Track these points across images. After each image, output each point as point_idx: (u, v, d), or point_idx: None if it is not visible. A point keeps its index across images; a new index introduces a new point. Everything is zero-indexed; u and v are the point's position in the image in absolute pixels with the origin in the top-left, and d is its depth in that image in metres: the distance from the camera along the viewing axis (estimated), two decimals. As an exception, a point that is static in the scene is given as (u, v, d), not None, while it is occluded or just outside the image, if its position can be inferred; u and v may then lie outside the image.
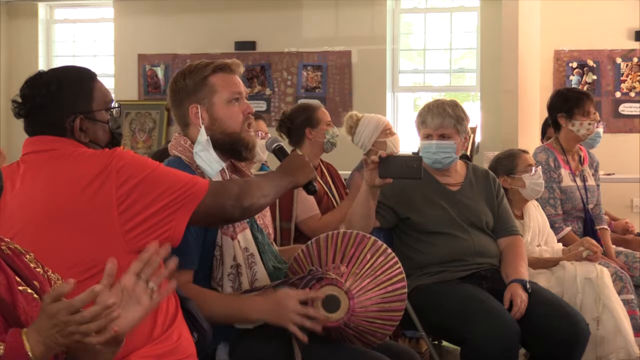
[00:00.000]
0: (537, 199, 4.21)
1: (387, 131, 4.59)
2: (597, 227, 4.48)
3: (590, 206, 4.49)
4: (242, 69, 2.69)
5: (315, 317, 2.43)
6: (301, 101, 7.02)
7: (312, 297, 2.45)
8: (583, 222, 4.45)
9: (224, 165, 2.58)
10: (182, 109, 2.63)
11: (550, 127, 4.87)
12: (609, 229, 4.60)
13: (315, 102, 5.73)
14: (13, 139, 7.81)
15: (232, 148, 2.63)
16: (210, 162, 2.54)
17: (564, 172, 4.43)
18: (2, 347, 1.56)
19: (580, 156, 4.57)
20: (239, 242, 2.55)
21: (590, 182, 4.54)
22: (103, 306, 1.56)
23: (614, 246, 4.49)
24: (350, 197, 4.21)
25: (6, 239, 1.82)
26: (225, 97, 2.61)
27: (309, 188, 2.66)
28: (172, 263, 1.71)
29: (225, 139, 2.60)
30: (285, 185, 2.57)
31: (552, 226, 4.25)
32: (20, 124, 2.35)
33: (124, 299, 1.66)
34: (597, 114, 5.03)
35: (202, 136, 2.56)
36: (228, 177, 2.62)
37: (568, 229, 4.32)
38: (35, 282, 1.78)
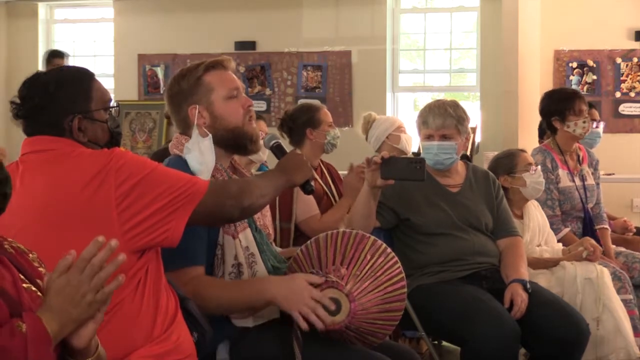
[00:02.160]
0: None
1: (401, 128, 4.70)
2: (598, 227, 4.47)
3: (590, 205, 4.48)
4: (233, 65, 2.68)
5: (321, 317, 2.43)
6: (302, 101, 7.02)
7: (322, 300, 2.45)
8: (582, 222, 4.44)
9: (209, 166, 2.57)
10: (182, 112, 2.62)
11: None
12: (609, 228, 4.59)
13: (317, 102, 5.74)
14: (13, 139, 7.81)
15: (236, 143, 2.63)
16: (193, 163, 2.54)
17: (562, 173, 4.43)
18: (23, 325, 1.57)
19: (579, 155, 4.56)
20: (240, 242, 2.55)
21: (590, 181, 4.53)
22: (107, 249, 1.58)
23: (613, 246, 4.49)
24: (345, 196, 4.22)
25: (9, 239, 1.82)
26: (223, 94, 2.61)
27: (306, 188, 2.66)
28: (120, 257, 1.66)
29: (229, 135, 2.61)
30: (283, 184, 2.57)
31: (550, 227, 4.24)
32: (20, 124, 2.35)
33: (70, 296, 1.65)
34: (596, 112, 5.03)
35: (192, 138, 2.56)
36: (226, 177, 2.62)
37: (567, 230, 4.31)
38: (39, 281, 1.78)
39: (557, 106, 4.48)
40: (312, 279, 2.47)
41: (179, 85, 2.62)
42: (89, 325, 1.67)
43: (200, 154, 2.54)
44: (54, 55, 7.42)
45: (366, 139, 4.81)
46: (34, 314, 1.61)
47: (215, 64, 2.62)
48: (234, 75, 2.67)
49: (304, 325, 2.42)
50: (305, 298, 2.42)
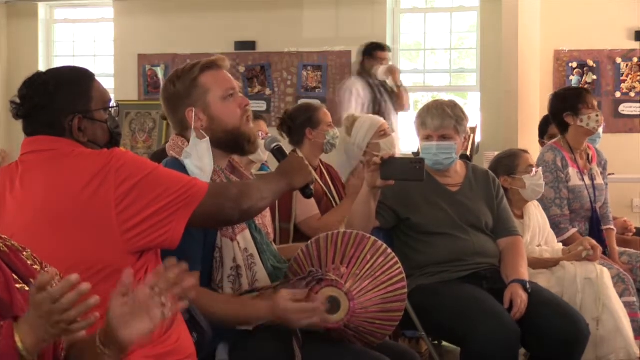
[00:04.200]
0: (543, 199, 4.19)
1: (381, 132, 4.56)
2: (604, 227, 4.45)
3: (599, 205, 4.47)
4: (228, 64, 2.66)
5: (317, 309, 2.42)
6: (302, 101, 7.02)
7: (311, 309, 2.43)
8: (590, 222, 4.42)
9: (208, 172, 2.56)
10: (179, 114, 2.61)
11: (551, 125, 4.87)
12: (615, 229, 4.58)
13: (317, 102, 5.74)
14: (13, 139, 7.81)
15: (234, 144, 2.63)
16: (192, 168, 2.52)
17: (572, 171, 4.40)
18: None
19: (588, 154, 4.55)
20: (239, 244, 2.55)
21: (599, 180, 4.51)
22: (76, 292, 1.57)
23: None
24: (348, 197, 4.21)
25: (3, 236, 1.82)
26: (219, 95, 2.59)
27: (306, 191, 2.65)
28: (189, 280, 1.69)
29: (227, 137, 2.60)
30: (283, 187, 2.56)
31: (557, 227, 4.23)
32: (20, 124, 2.35)
33: (134, 308, 1.66)
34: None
35: (191, 142, 2.55)
36: (224, 179, 2.61)
37: (574, 231, 4.29)
38: (32, 280, 1.78)
39: (570, 102, 4.44)
40: (295, 296, 2.45)
41: (174, 86, 2.60)
42: (146, 324, 1.66)
43: (199, 159, 2.54)
44: (377, 48, 6.67)
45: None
46: (10, 327, 1.59)
47: (210, 64, 2.61)
48: (229, 75, 2.66)
49: (318, 323, 2.43)
50: (296, 317, 2.41)
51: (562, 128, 4.49)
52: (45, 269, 1.86)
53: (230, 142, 2.62)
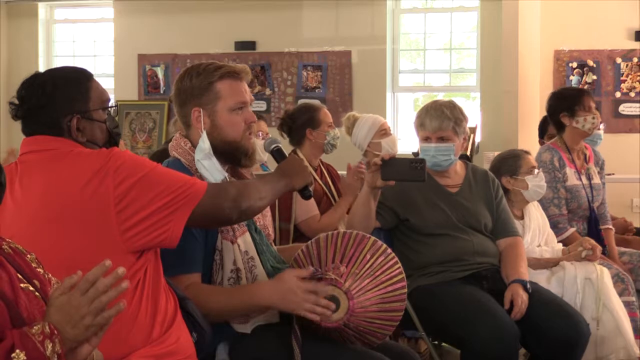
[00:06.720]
0: (541, 199, 4.19)
1: (382, 132, 4.56)
2: (602, 227, 4.46)
3: (596, 204, 4.48)
4: (249, 77, 2.66)
5: (324, 305, 2.43)
6: (303, 101, 7.02)
7: (318, 291, 2.44)
8: (588, 222, 4.43)
9: (226, 175, 2.57)
10: (185, 109, 2.62)
11: (550, 125, 4.87)
12: (613, 228, 4.58)
13: (317, 102, 5.74)
14: (13, 139, 7.81)
15: (231, 155, 2.62)
16: (212, 171, 2.53)
17: (569, 171, 4.41)
18: (21, 354, 1.56)
19: (585, 154, 4.55)
20: (239, 246, 2.54)
21: (596, 180, 4.52)
22: (113, 275, 1.58)
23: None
24: (344, 196, 4.22)
25: (7, 239, 1.83)
26: (229, 105, 2.59)
27: (305, 193, 2.65)
28: (124, 284, 1.66)
29: (224, 146, 2.60)
30: (282, 188, 2.57)
31: (555, 226, 4.23)
32: (20, 124, 2.35)
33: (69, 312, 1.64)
34: (598, 113, 5.03)
35: (205, 143, 2.54)
36: (227, 180, 2.61)
37: (572, 230, 4.29)
38: (36, 281, 1.78)
39: (567, 102, 4.47)
40: (300, 273, 2.46)
41: (190, 81, 2.60)
42: (84, 346, 1.66)
43: (215, 163, 2.54)
44: None
45: (351, 140, 4.66)
46: (32, 341, 1.59)
47: (232, 74, 2.60)
48: (246, 88, 2.65)
49: (316, 318, 2.42)
50: (301, 295, 2.41)
51: (559, 128, 4.52)
52: (48, 275, 1.86)
53: (227, 153, 2.61)
